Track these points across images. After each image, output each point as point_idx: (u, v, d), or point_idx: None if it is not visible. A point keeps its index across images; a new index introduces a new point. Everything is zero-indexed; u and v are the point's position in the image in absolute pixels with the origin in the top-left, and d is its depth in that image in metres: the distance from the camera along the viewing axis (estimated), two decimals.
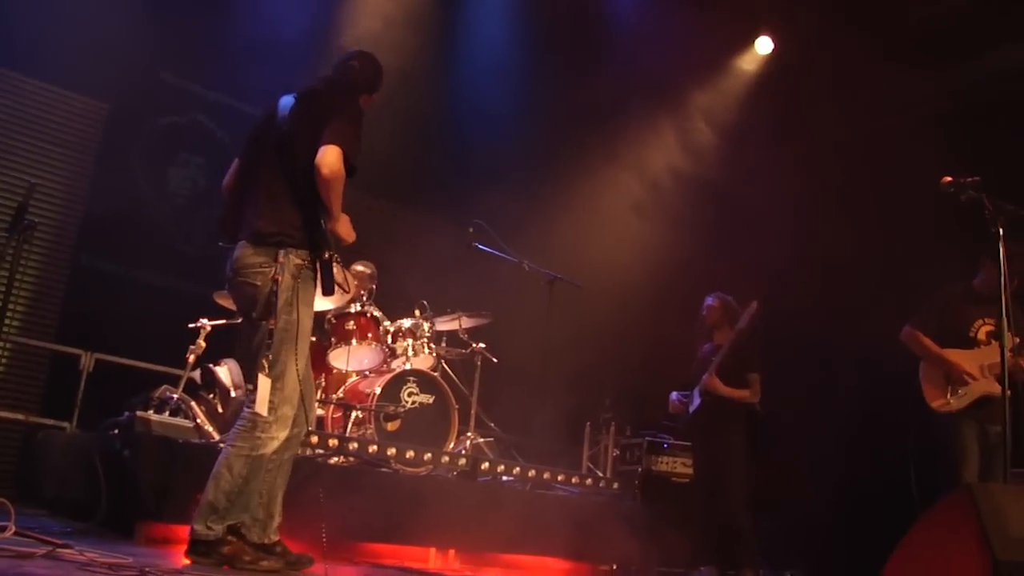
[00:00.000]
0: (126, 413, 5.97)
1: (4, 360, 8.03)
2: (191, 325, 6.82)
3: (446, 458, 6.58)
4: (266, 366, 4.17)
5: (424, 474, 6.46)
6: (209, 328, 6.81)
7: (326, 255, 4.28)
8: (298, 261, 4.27)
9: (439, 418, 6.99)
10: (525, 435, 8.18)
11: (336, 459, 6.13)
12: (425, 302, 7.58)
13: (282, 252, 4.25)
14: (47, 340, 8.07)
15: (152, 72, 8.84)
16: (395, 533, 5.77)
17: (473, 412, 7.38)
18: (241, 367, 6.39)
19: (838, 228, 8.14)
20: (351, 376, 7.22)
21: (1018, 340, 5.44)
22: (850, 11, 8.43)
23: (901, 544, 3.87)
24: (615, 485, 7.44)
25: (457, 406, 7.11)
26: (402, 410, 6.79)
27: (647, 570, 6.86)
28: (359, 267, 7.46)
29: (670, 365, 7.77)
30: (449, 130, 9.77)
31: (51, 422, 7.40)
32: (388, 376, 6.84)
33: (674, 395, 7.11)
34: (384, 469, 6.22)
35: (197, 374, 6.65)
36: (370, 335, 7.18)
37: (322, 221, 4.30)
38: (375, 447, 6.24)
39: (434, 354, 7.52)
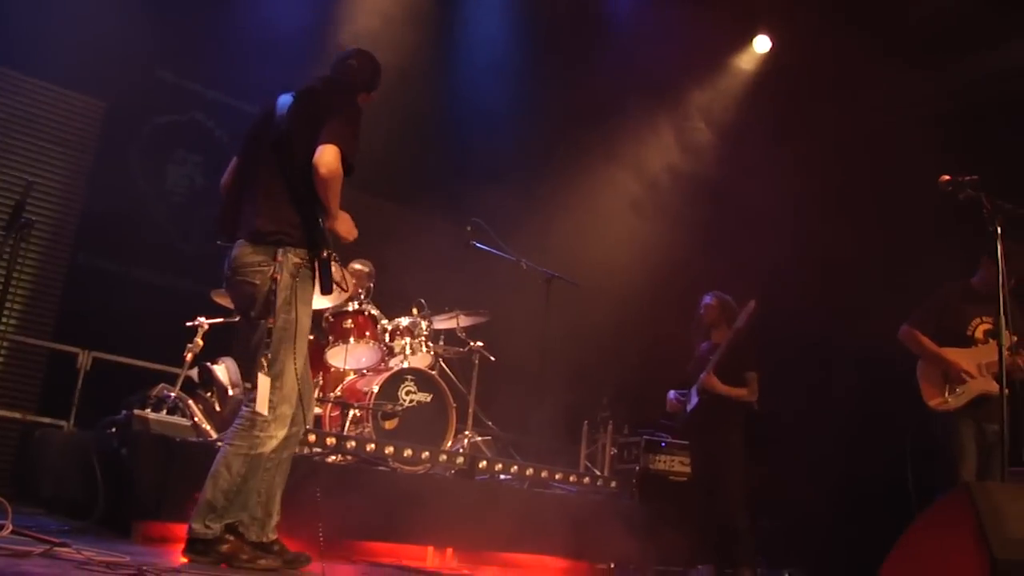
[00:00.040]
0: (123, 412, 5.96)
1: (1, 358, 8.02)
2: (189, 324, 6.81)
3: (444, 457, 6.58)
4: (265, 365, 4.17)
5: (422, 473, 6.46)
6: (207, 327, 6.80)
7: (324, 254, 4.28)
8: (296, 260, 4.27)
9: (437, 417, 6.99)
10: (523, 434, 8.18)
11: (334, 458, 6.13)
12: (423, 300, 7.58)
13: (280, 251, 4.25)
14: (44, 338, 8.06)
15: (150, 70, 8.83)
16: (393, 532, 5.77)
17: (471, 411, 7.37)
18: (239, 366, 6.38)
19: (837, 227, 8.14)
20: (349, 374, 7.22)
21: (1016, 339, 5.45)
22: (849, 10, 8.43)
23: (899, 543, 3.87)
24: (613, 484, 7.44)
25: (455, 405, 7.10)
26: (400, 408, 6.79)
27: (645, 569, 6.86)
28: (357, 265, 7.46)
29: (668, 364, 7.77)
30: (447, 129, 9.77)
31: (48, 421, 7.40)
32: (386, 374, 6.84)
33: (672, 394, 7.11)
34: (382, 468, 6.22)
35: (195, 372, 6.65)
36: (368, 333, 7.18)
37: (320, 220, 4.29)
38: (373, 446, 6.23)
39: (432, 353, 7.52)
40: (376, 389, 6.71)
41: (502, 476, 6.86)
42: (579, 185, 9.80)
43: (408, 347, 7.28)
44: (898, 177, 7.77)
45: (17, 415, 7.51)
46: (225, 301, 6.63)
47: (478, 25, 9.66)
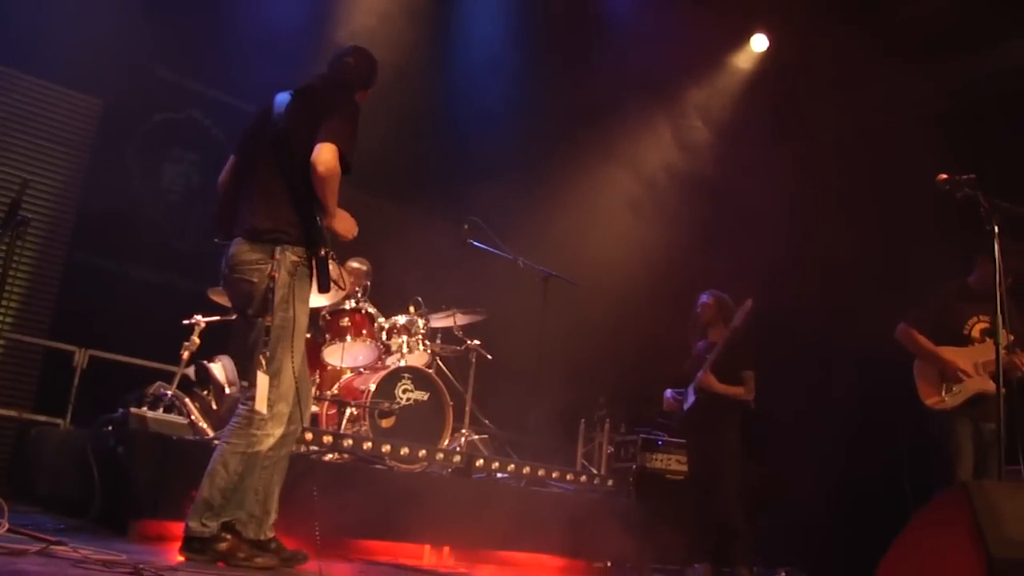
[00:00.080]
0: (120, 410, 5.95)
1: None
2: (185, 322, 6.80)
3: (441, 455, 6.57)
4: (264, 363, 4.17)
5: (419, 471, 6.46)
6: (203, 325, 6.79)
7: (322, 252, 4.28)
8: (294, 258, 4.27)
9: (434, 415, 6.99)
10: (520, 432, 8.18)
11: (330, 456, 6.13)
12: (420, 299, 7.57)
13: (278, 249, 4.24)
14: (41, 336, 8.06)
15: (147, 68, 8.82)
16: (390, 530, 5.76)
17: (468, 409, 7.37)
18: (236, 364, 6.38)
19: (835, 226, 8.14)
20: (346, 373, 7.22)
21: (1013, 337, 5.45)
22: (846, 9, 8.43)
23: (895, 542, 3.87)
24: (610, 482, 7.44)
25: (452, 403, 7.10)
26: (397, 407, 6.79)
27: (641, 567, 6.86)
28: (355, 264, 7.45)
29: (665, 362, 7.78)
30: (445, 127, 9.76)
31: (45, 419, 7.40)
32: (383, 373, 6.84)
33: (669, 392, 7.12)
34: (379, 466, 6.22)
35: (191, 371, 6.64)
36: (365, 332, 7.18)
37: (318, 218, 4.29)
38: (370, 444, 6.23)
39: (429, 351, 7.52)
40: (373, 387, 6.71)
41: (499, 475, 6.85)
42: (577, 183, 9.80)
43: (405, 345, 7.29)
44: (896, 176, 7.78)
45: (13, 413, 7.51)
46: (222, 299, 6.62)
47: (475, 23, 9.65)
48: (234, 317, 5.51)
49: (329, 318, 7.18)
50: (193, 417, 6.10)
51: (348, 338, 7.08)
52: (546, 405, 7.58)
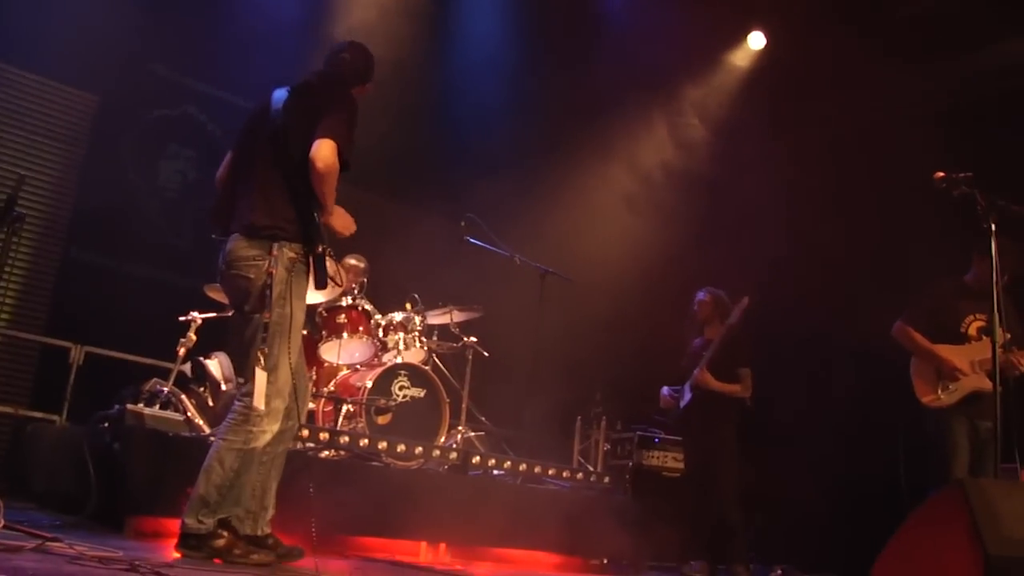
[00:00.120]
0: (116, 406, 5.94)
1: None
2: (181, 318, 6.79)
3: (437, 452, 6.57)
4: (262, 359, 4.16)
5: (415, 468, 6.45)
6: (200, 321, 6.78)
7: (320, 249, 4.27)
8: (291, 254, 4.26)
9: (430, 412, 6.98)
10: (516, 429, 8.17)
11: (327, 453, 6.12)
12: (416, 296, 7.57)
13: (276, 245, 4.24)
14: (36, 333, 8.04)
15: (143, 64, 8.81)
16: (386, 527, 5.76)
17: (464, 406, 7.36)
18: (233, 360, 6.37)
19: (832, 224, 8.15)
20: (342, 369, 7.21)
21: (1009, 336, 5.46)
22: (844, 7, 8.44)
23: (891, 541, 3.86)
24: (606, 479, 7.43)
25: (448, 400, 7.10)
26: (393, 404, 6.78)
27: (638, 564, 6.87)
28: (352, 260, 7.44)
29: (661, 360, 7.78)
30: (442, 123, 9.76)
31: (40, 415, 7.39)
32: (379, 370, 6.83)
33: (665, 390, 7.12)
34: (375, 463, 6.22)
35: (188, 367, 6.63)
36: (361, 328, 7.17)
37: (316, 215, 4.29)
38: (366, 441, 6.22)
39: (425, 348, 7.52)
40: (369, 384, 6.70)
41: (495, 472, 6.85)
42: (574, 180, 9.80)
43: (402, 342, 7.28)
44: (893, 174, 7.78)
45: (9, 410, 7.50)
46: (218, 295, 6.62)
47: (473, 19, 9.65)
48: (231, 313, 5.50)
49: (326, 315, 7.18)
50: (189, 414, 6.10)
51: (345, 335, 7.07)
52: (542, 402, 7.57)
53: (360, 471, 5.98)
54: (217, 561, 4.09)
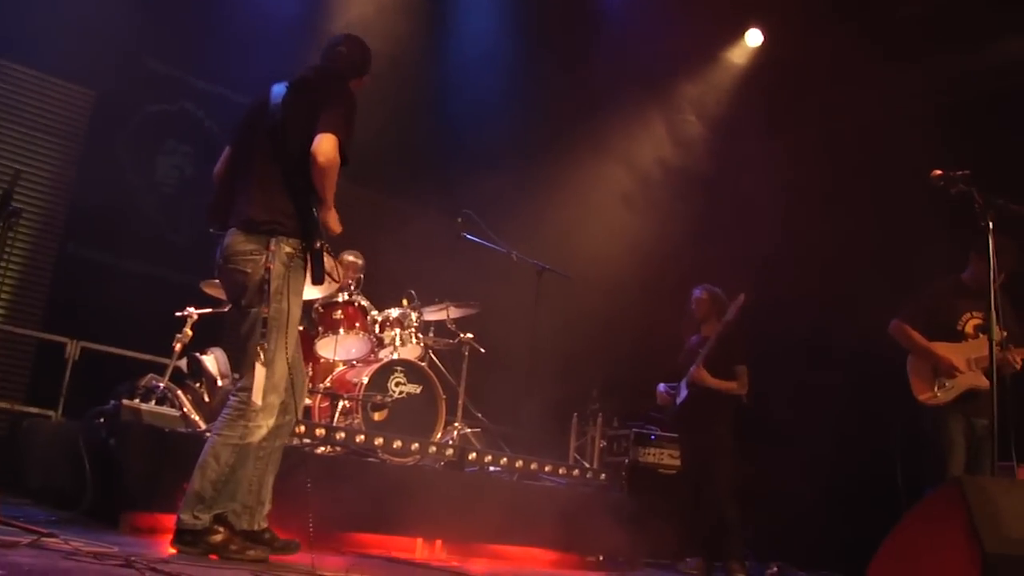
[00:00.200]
0: (112, 402, 5.94)
1: None
2: (178, 314, 6.78)
3: (433, 448, 6.56)
4: (261, 354, 4.16)
5: (411, 464, 6.45)
6: (196, 317, 6.76)
7: (318, 244, 4.27)
8: (289, 249, 4.26)
9: (426, 408, 6.98)
10: (512, 425, 8.17)
11: (323, 449, 6.12)
12: (413, 292, 7.57)
13: (273, 240, 4.24)
14: (33, 328, 8.03)
15: (140, 60, 8.81)
16: (382, 523, 5.75)
17: (460, 402, 7.36)
18: (229, 356, 6.36)
19: (829, 221, 8.15)
20: (338, 365, 7.20)
21: (1005, 334, 5.46)
22: (842, 5, 8.43)
23: (887, 539, 3.86)
24: (602, 476, 7.43)
25: (444, 396, 7.10)
26: (389, 400, 6.78)
27: (634, 561, 6.86)
28: (349, 256, 7.44)
29: (658, 356, 7.78)
30: (439, 120, 9.76)
31: (36, 411, 7.38)
32: (375, 366, 6.83)
33: (661, 387, 7.12)
34: (371, 459, 6.21)
35: (184, 363, 6.62)
36: (358, 324, 7.16)
37: (314, 210, 4.28)
38: (362, 437, 6.21)
39: (422, 344, 7.51)
40: (366, 380, 6.70)
41: (491, 468, 6.85)
42: (571, 177, 9.80)
43: (398, 338, 7.27)
44: (890, 172, 7.78)
45: (5, 405, 7.49)
46: (214, 291, 6.62)
47: (470, 15, 9.65)
48: (227, 309, 5.50)
49: (322, 311, 7.17)
50: (185, 409, 6.09)
51: (341, 331, 7.06)
52: (539, 399, 7.57)
53: (356, 467, 5.97)
54: (213, 557, 4.09)
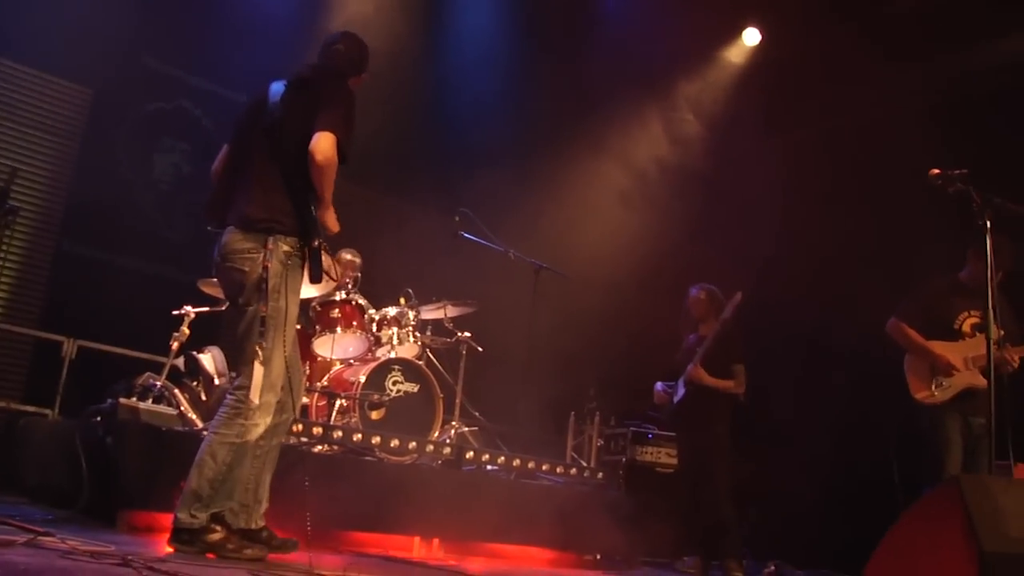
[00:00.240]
0: (109, 400, 5.93)
1: None
2: (175, 312, 6.77)
3: (431, 447, 6.56)
4: (259, 353, 4.16)
5: (408, 463, 6.44)
6: (193, 315, 6.76)
7: (316, 243, 4.27)
8: (287, 248, 4.25)
9: (424, 407, 6.98)
10: (510, 424, 8.17)
11: (320, 447, 6.12)
12: (410, 290, 7.56)
13: (271, 239, 4.23)
14: (30, 326, 8.03)
15: (137, 58, 8.80)
16: (379, 522, 5.75)
17: (458, 401, 7.35)
18: (226, 354, 6.35)
19: (827, 220, 8.15)
20: (336, 364, 7.19)
21: (1003, 332, 5.45)
22: (839, 3, 8.43)
23: (885, 538, 3.85)
24: (599, 475, 7.43)
25: (442, 395, 7.09)
26: (387, 399, 6.77)
27: (631, 560, 6.87)
28: (347, 255, 7.43)
29: (655, 355, 7.78)
30: (436, 118, 9.76)
31: (33, 409, 7.37)
32: (373, 364, 6.82)
33: (659, 385, 7.11)
34: (368, 458, 6.21)
35: (181, 361, 6.62)
36: (355, 323, 7.15)
37: (312, 209, 4.28)
38: (359, 435, 6.21)
39: (419, 343, 7.50)
40: (363, 379, 6.69)
41: (489, 467, 6.85)
42: (568, 176, 9.80)
43: (395, 337, 7.26)
44: (888, 170, 7.78)
45: (2, 403, 7.47)
46: (211, 290, 6.61)
47: (468, 14, 9.64)
48: (224, 308, 5.49)
49: (319, 309, 7.16)
50: (182, 408, 6.09)
51: (338, 329, 7.06)
52: (536, 397, 7.57)
53: (353, 466, 5.97)
54: (210, 556, 4.09)
